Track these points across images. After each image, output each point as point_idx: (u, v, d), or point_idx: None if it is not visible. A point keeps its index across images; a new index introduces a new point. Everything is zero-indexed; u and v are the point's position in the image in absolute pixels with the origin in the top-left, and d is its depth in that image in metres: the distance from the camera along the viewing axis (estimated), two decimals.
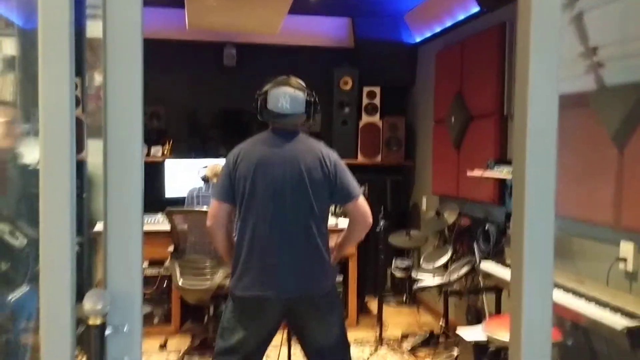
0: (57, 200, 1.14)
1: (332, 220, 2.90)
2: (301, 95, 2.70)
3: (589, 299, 2.71)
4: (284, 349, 3.50)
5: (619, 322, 2.43)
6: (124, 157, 1.18)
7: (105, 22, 1.17)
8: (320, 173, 2.67)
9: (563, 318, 2.94)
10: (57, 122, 1.14)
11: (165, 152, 5.59)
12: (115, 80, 1.17)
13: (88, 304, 1.12)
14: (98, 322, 1.13)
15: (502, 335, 3.00)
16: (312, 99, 2.74)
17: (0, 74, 3.21)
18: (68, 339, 1.14)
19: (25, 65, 2.94)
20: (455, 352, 4.09)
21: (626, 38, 2.92)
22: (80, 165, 1.32)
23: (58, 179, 1.14)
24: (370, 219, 2.84)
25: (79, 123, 1.28)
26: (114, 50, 1.17)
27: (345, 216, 4.20)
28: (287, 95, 2.66)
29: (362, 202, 2.77)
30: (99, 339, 1.14)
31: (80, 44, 1.27)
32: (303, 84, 2.75)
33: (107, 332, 1.15)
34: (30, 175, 1.17)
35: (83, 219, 3.26)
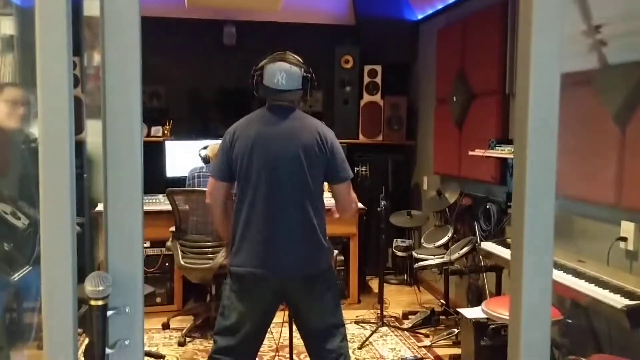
0: (57, 181, 1.13)
1: (331, 200, 2.90)
2: (297, 71, 2.67)
3: (590, 278, 2.72)
4: (285, 330, 3.52)
5: (619, 301, 2.44)
6: (123, 137, 1.17)
7: (103, 0, 1.15)
8: (317, 150, 2.66)
9: (564, 297, 2.95)
10: (56, 101, 1.13)
11: (165, 132, 5.57)
12: (113, 60, 1.16)
13: (89, 285, 1.13)
14: (100, 303, 1.13)
15: (502, 312, 3.02)
16: (309, 75, 2.71)
17: (0, 54, 3.19)
18: (70, 321, 1.14)
19: (24, 45, 2.92)
20: (455, 331, 4.12)
21: (629, 16, 2.89)
22: (80, 146, 1.31)
23: (57, 160, 1.13)
24: (356, 205, 2.86)
25: (78, 103, 1.27)
26: (111, 29, 1.16)
27: None
28: (283, 71, 2.64)
29: (351, 188, 2.80)
30: (100, 320, 1.14)
31: (78, 23, 1.25)
32: (300, 59, 2.72)
33: (109, 313, 1.16)
34: (33, 155, 1.16)
35: (84, 200, 3.27)
